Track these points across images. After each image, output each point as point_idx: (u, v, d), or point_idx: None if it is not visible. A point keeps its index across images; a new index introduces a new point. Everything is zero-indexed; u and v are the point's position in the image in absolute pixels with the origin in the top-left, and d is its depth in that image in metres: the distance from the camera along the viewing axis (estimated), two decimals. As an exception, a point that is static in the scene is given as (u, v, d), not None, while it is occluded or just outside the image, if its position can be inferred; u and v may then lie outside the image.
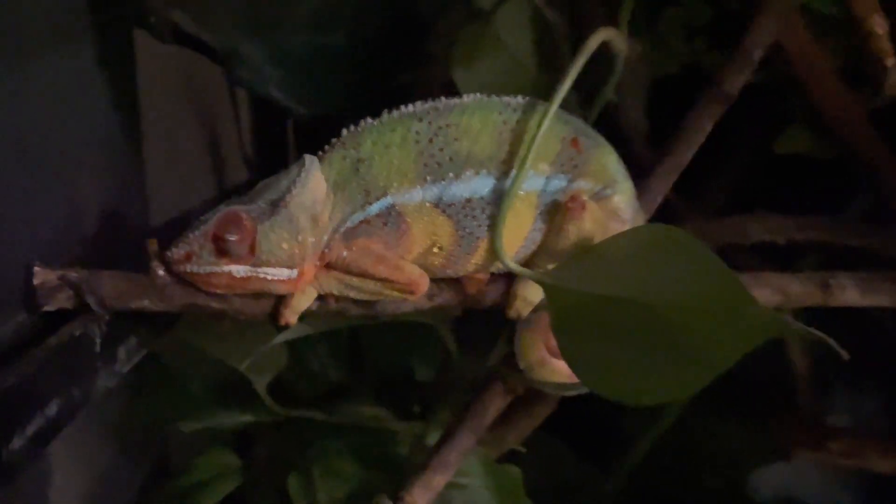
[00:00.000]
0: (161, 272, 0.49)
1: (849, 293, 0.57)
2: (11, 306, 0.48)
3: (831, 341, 0.40)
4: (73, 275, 0.50)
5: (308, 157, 0.49)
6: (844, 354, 0.41)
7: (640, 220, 0.56)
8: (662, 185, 0.62)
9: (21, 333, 0.48)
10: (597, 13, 0.74)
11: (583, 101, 0.78)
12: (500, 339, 0.59)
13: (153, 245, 0.49)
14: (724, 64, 0.63)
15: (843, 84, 0.70)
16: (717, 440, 1.03)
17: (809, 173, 0.81)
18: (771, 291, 0.56)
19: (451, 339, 0.61)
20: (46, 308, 0.49)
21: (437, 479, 0.59)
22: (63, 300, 0.50)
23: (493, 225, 0.50)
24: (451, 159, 0.49)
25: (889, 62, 0.53)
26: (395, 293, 0.50)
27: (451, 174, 0.50)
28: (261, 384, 0.69)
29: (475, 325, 0.63)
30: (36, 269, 0.49)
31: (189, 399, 0.70)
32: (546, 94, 0.76)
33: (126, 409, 0.71)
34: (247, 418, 0.70)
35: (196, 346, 0.67)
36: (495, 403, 0.60)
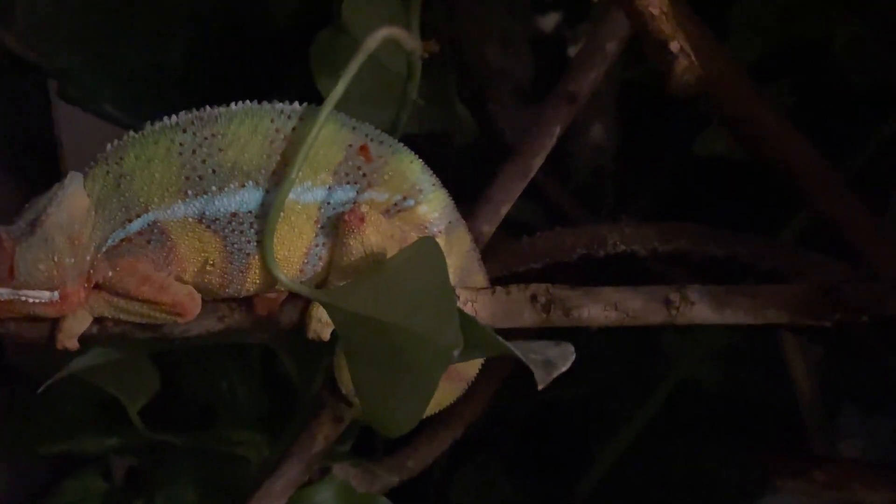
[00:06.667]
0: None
1: (698, 309, 0.51)
2: None
3: (524, 356, 0.35)
4: None
5: (71, 174, 0.47)
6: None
7: (461, 232, 0.51)
8: (506, 194, 0.56)
9: None
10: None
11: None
12: (320, 364, 0.55)
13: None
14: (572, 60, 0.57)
15: (748, 79, 0.63)
16: (703, 466, 0.96)
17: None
18: (604, 307, 0.50)
19: (291, 363, 0.58)
20: None
21: (261, 511, 0.56)
22: None
23: (262, 241, 0.47)
24: (213, 171, 0.46)
25: (674, 46, 0.45)
26: (164, 315, 0.47)
27: (213, 187, 0.46)
28: (133, 407, 0.68)
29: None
30: None
31: (59, 420, 0.69)
32: (428, 98, 0.72)
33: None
34: (112, 442, 0.68)
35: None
36: (323, 431, 0.57)
